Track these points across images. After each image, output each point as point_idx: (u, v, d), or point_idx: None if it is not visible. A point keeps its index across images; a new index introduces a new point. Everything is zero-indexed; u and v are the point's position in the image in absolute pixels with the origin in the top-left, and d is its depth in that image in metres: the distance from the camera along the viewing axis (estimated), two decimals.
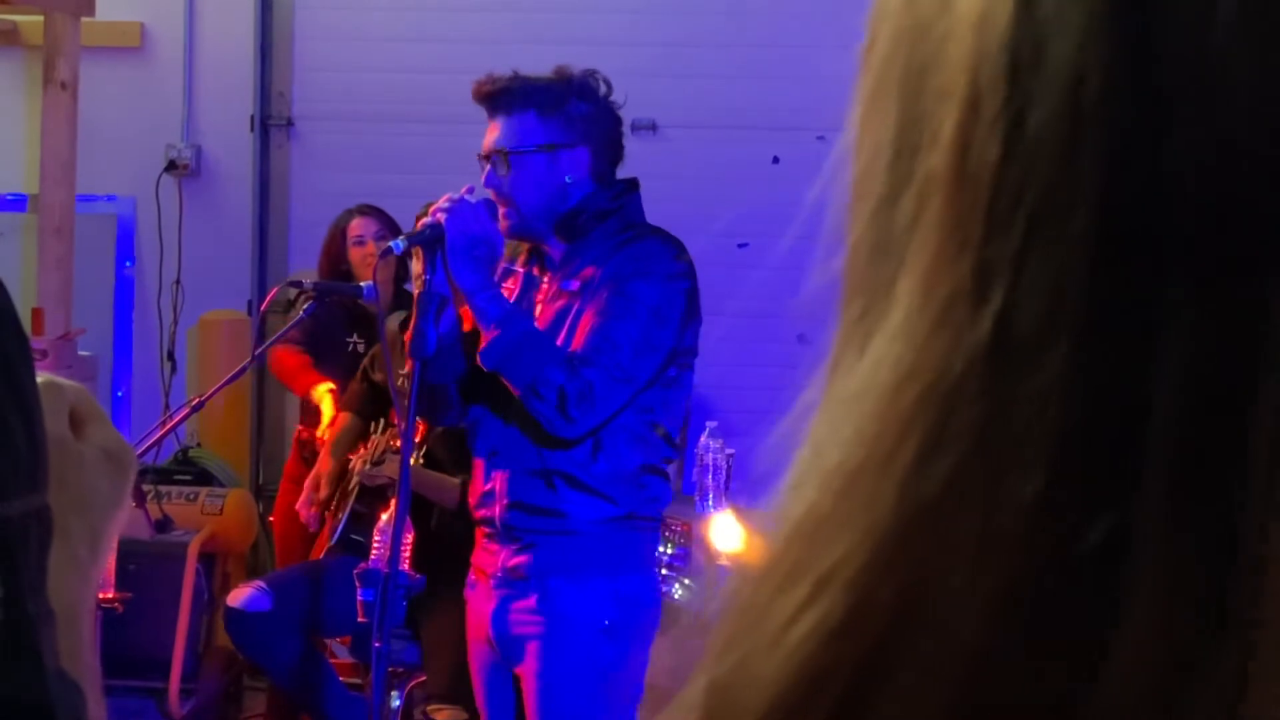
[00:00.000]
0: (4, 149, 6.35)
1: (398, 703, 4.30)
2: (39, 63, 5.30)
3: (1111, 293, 0.36)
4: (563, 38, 5.65)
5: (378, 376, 4.43)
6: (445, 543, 3.95)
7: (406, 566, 3.48)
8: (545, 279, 3.11)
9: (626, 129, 3.17)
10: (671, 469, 3.19)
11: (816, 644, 0.38)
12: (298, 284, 4.49)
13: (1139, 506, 0.35)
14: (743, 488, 4.47)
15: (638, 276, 2.98)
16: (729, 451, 4.58)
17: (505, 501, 3.06)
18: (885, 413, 0.38)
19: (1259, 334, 0.35)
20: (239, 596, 4.30)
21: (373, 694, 3.17)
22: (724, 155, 6.02)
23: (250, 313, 6.31)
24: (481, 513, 3.12)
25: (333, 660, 4.52)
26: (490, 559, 3.11)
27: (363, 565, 3.56)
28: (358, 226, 4.91)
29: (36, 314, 5.08)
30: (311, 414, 4.87)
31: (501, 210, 3.06)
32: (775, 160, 6.00)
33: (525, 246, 3.16)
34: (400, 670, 4.26)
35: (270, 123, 6.43)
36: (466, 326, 3.08)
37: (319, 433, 4.62)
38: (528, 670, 3.06)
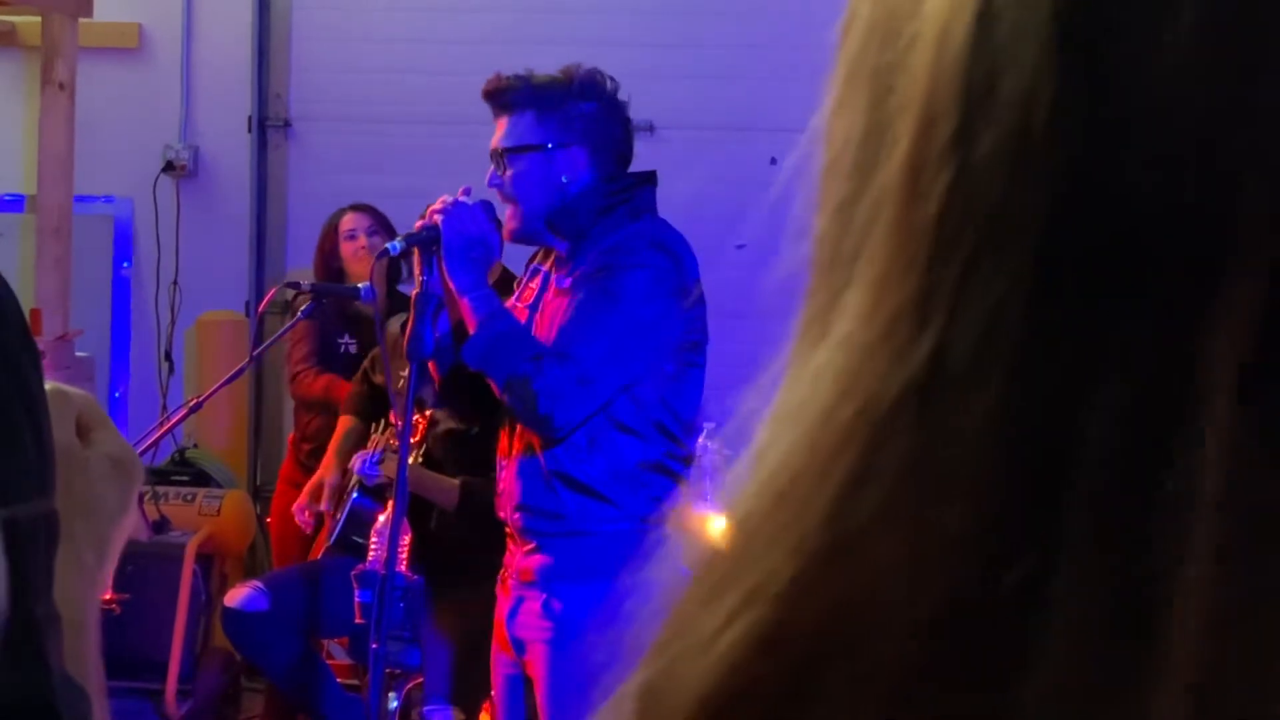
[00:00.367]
0: (2, 150, 6.34)
1: (395, 704, 4.29)
2: (37, 63, 5.29)
3: (1047, 330, 0.35)
4: (560, 39, 5.64)
5: (378, 379, 4.43)
6: (444, 544, 3.95)
7: (404, 568, 3.49)
8: (554, 277, 3.12)
9: None
10: (683, 466, 3.13)
11: (744, 654, 0.38)
12: (295, 285, 4.49)
13: (1062, 546, 0.35)
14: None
15: (605, 270, 2.96)
16: (728, 453, 4.56)
17: (514, 503, 3.07)
18: (821, 430, 0.38)
19: (1189, 379, 0.35)
20: (236, 597, 4.29)
21: (370, 695, 3.17)
22: (722, 156, 6.02)
23: (248, 313, 6.30)
24: (501, 514, 3.14)
25: (330, 661, 4.52)
26: (511, 559, 3.13)
27: (360, 566, 3.56)
28: (349, 221, 4.92)
29: (34, 315, 5.07)
30: (304, 418, 4.88)
31: (507, 211, 3.06)
32: (773, 161, 6.00)
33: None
34: (398, 671, 4.25)
35: (268, 124, 6.42)
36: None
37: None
38: (537, 673, 3.06)
